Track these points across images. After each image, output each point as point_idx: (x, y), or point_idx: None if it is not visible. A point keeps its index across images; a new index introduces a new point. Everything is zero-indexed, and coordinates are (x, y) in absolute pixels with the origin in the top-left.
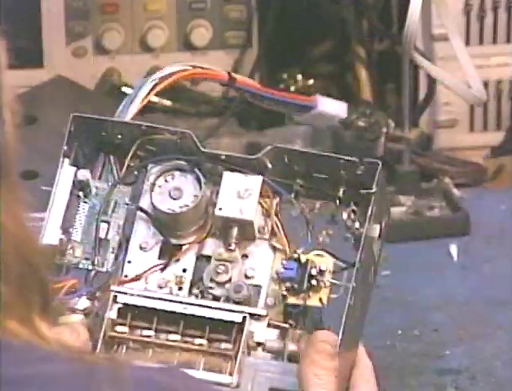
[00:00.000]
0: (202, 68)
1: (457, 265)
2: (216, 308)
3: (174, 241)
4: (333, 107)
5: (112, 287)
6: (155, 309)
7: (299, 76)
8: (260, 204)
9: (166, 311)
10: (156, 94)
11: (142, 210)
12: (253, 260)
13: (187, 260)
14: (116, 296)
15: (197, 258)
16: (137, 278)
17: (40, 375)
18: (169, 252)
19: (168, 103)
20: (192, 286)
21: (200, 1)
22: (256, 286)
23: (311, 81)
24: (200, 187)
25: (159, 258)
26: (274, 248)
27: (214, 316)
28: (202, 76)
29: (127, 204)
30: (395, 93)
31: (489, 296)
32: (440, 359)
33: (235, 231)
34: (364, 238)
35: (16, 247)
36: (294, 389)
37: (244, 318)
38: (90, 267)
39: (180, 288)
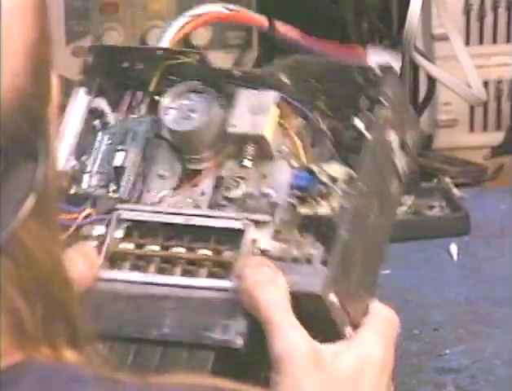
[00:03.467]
0: (239, 11)
1: (457, 264)
2: (219, 217)
3: (192, 166)
4: (383, 59)
5: (118, 206)
6: (159, 223)
7: None
8: (281, 124)
9: (170, 224)
10: (191, 30)
11: (159, 136)
12: (271, 179)
13: (206, 184)
14: (120, 214)
15: (216, 181)
16: (154, 203)
17: None
18: (188, 179)
19: None
20: (209, 208)
21: (201, 1)
22: (274, 204)
23: None
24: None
25: (178, 186)
26: (293, 168)
27: (216, 225)
28: (240, 21)
29: (145, 133)
30: None
31: (489, 296)
32: (440, 358)
33: (249, 148)
34: (367, 134)
35: (45, 281)
36: (291, 289)
37: (247, 225)
38: (104, 194)
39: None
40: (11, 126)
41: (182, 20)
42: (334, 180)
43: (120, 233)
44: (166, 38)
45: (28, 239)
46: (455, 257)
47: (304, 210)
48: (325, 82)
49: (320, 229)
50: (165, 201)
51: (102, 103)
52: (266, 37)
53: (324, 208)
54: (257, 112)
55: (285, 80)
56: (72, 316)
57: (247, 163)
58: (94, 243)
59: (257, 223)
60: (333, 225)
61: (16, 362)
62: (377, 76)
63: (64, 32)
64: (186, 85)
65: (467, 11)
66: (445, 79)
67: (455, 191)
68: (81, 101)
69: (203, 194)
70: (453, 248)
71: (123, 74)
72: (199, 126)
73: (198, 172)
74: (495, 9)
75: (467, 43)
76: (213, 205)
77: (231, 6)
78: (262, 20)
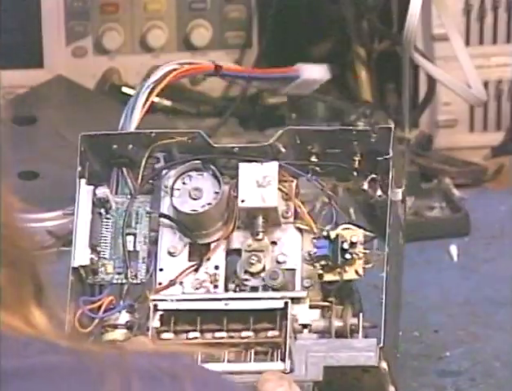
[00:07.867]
0: (189, 63)
1: (457, 265)
2: (256, 298)
3: (201, 241)
4: (315, 73)
5: (152, 297)
6: (196, 310)
7: None
8: (279, 189)
9: (208, 310)
10: (157, 95)
11: (164, 216)
12: (282, 245)
13: (218, 257)
14: (156, 305)
15: (227, 253)
16: (171, 283)
17: (42, 366)
18: (198, 253)
19: (168, 103)
20: (226, 281)
21: (200, 1)
22: (290, 270)
23: None
24: (219, 183)
25: (189, 260)
26: (300, 230)
27: (256, 307)
28: (190, 73)
29: (149, 213)
30: (395, 93)
31: (489, 297)
32: (440, 361)
33: (260, 220)
34: (389, 203)
35: (6, 233)
36: (349, 365)
37: (286, 303)
38: (124, 281)
39: (216, 286)
40: None
41: (145, 92)
42: (353, 245)
43: (156, 323)
44: (136, 113)
45: None
46: (455, 257)
47: (329, 277)
48: (325, 148)
49: (349, 294)
50: (182, 280)
51: (105, 191)
52: (265, 37)
53: (349, 274)
54: (263, 185)
55: (282, 149)
56: (36, 269)
57: (261, 235)
58: (124, 330)
59: (293, 299)
60: (354, 289)
61: None
62: (375, 137)
63: (64, 32)
64: (187, 166)
65: (467, 12)
66: (445, 79)
67: (455, 191)
68: (85, 194)
69: (217, 267)
70: (453, 249)
71: (112, 154)
72: (209, 207)
73: (207, 245)
74: (495, 9)
75: (467, 43)
76: (231, 279)
77: (182, 61)
78: (208, 66)
